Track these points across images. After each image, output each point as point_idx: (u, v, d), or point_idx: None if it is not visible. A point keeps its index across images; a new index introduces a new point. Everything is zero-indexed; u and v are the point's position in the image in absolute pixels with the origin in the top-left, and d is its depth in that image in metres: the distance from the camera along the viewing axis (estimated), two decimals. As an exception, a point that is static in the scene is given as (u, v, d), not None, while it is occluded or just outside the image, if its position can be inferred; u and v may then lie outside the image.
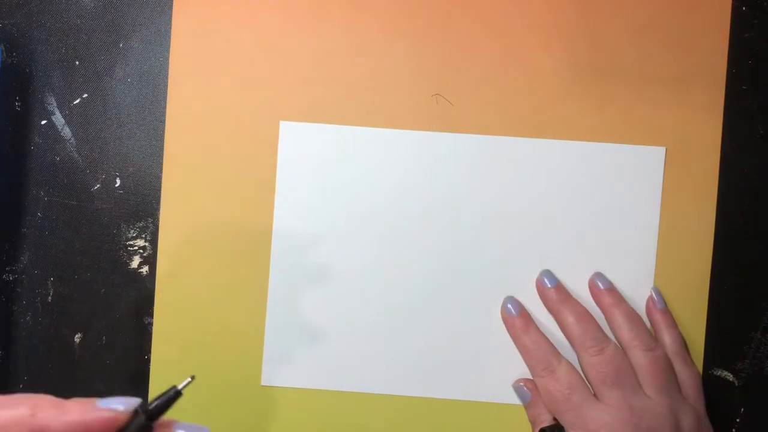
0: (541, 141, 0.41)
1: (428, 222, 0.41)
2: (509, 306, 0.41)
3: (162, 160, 0.42)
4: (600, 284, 0.41)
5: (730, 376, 0.41)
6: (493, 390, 0.41)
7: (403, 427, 0.41)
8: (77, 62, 0.42)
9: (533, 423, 0.40)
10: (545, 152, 0.41)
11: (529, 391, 0.40)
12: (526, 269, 0.41)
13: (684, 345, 0.40)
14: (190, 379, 0.29)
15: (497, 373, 0.41)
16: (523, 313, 0.41)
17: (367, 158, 0.42)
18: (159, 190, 0.42)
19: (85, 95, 0.42)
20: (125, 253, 0.42)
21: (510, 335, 0.41)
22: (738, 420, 0.41)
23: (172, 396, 0.28)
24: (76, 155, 0.42)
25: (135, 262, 0.42)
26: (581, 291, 0.41)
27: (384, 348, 0.41)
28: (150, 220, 0.42)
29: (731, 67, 0.41)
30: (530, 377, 0.40)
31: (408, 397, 0.41)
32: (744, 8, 0.42)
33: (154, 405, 0.28)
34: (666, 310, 0.41)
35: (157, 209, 0.42)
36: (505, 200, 0.41)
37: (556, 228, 0.41)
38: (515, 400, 0.41)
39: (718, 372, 0.41)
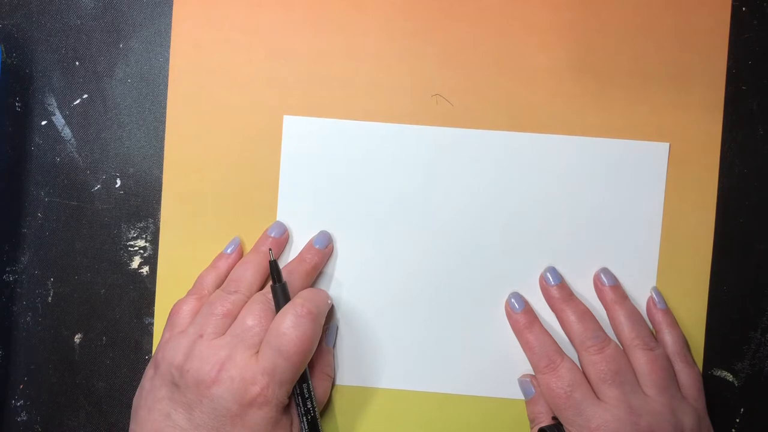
0: (546, 136, 0.41)
1: (432, 216, 0.41)
2: (513, 301, 0.41)
3: (162, 160, 0.42)
4: (605, 280, 0.41)
5: (729, 376, 0.41)
6: (496, 385, 0.41)
7: (404, 421, 0.41)
8: (77, 62, 0.42)
9: (532, 421, 0.40)
10: (550, 147, 0.41)
11: (534, 387, 0.40)
12: (530, 265, 0.41)
13: (686, 345, 0.40)
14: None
15: (500, 368, 0.41)
16: (528, 310, 0.41)
17: (371, 153, 0.42)
18: (159, 190, 0.42)
19: (85, 96, 0.42)
20: (125, 254, 0.42)
21: (513, 331, 0.41)
22: (738, 420, 0.41)
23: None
24: (76, 156, 0.42)
25: (135, 262, 0.42)
26: (583, 287, 0.41)
27: (387, 343, 0.41)
28: (150, 220, 0.42)
29: (731, 67, 0.41)
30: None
31: (410, 392, 0.41)
32: (744, 8, 0.42)
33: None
34: (667, 310, 0.41)
35: (158, 209, 0.42)
36: (509, 195, 0.41)
37: (560, 223, 0.41)
38: (518, 395, 0.41)
39: (718, 372, 0.41)
